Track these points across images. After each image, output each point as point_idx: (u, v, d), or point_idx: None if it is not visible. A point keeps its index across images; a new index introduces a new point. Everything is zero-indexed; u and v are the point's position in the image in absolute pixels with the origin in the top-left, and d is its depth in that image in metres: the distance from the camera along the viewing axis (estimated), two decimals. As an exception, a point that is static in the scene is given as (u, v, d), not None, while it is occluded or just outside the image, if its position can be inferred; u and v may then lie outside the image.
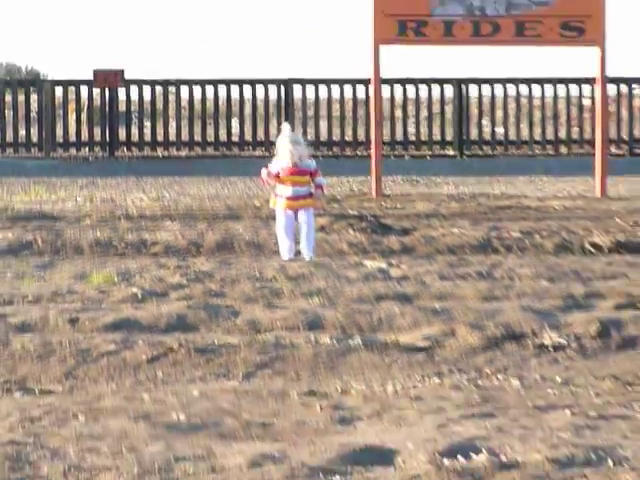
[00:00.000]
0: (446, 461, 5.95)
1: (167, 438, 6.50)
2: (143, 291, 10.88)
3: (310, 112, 31.91)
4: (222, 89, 32.33)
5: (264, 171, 13.72)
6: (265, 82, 32.15)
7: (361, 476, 5.74)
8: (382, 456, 6.03)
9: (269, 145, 30.23)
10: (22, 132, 31.59)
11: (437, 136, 31.57)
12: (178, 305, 10.21)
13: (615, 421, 6.81)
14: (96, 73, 32.19)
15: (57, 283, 11.49)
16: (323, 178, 13.94)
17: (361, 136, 29.65)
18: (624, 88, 30.67)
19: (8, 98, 32.67)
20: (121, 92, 32.31)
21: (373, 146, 20.80)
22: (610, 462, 5.96)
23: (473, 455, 6.04)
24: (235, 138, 32.47)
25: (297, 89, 31.70)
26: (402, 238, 14.51)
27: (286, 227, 13.01)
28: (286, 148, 13.64)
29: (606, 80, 21.61)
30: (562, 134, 31.05)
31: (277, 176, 13.50)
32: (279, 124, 31.49)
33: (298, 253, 13.00)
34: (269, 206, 13.72)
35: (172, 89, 32.79)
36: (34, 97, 33.61)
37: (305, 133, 31.01)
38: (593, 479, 5.64)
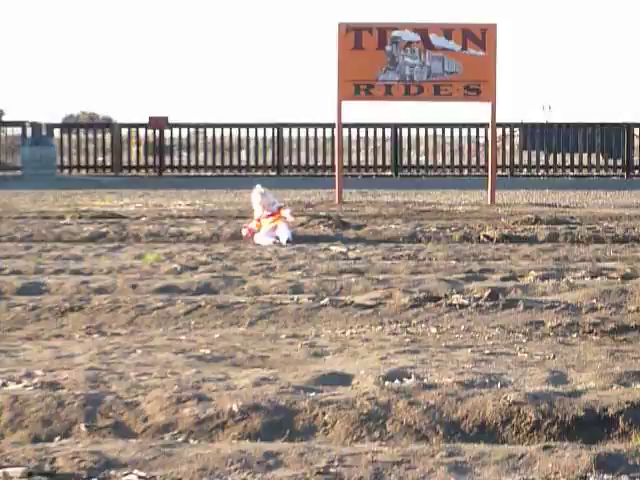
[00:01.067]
0: (387, 383, 5.95)
1: (197, 366, 6.52)
2: (181, 266, 10.93)
3: (294, 146, 32.02)
4: (235, 130, 32.45)
5: (244, 231, 13.94)
6: (264, 125, 32.24)
7: (329, 393, 5.72)
8: (343, 379, 6.06)
9: (266, 168, 30.92)
10: (100, 158, 31.62)
11: (380, 162, 31.69)
12: (205, 276, 10.26)
13: (501, 357, 6.81)
14: (150, 119, 32.21)
15: (123, 261, 11.50)
16: (287, 210, 13.90)
17: (328, 162, 29.63)
18: (507, 130, 30.83)
19: (91, 136, 32.81)
20: (166, 132, 32.23)
21: (336, 169, 20.76)
22: (498, 384, 5.96)
23: (405, 379, 6.07)
24: (243, 163, 32.58)
25: (286, 131, 31.79)
26: (356, 231, 14.53)
27: (264, 239, 13.00)
28: (256, 201, 13.94)
29: (495, 125, 21.61)
30: (465, 162, 31.11)
31: (258, 224, 13.63)
32: (273, 154, 31.98)
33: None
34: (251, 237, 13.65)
35: (200, 130, 32.78)
36: (108, 135, 33.59)
37: (290, 161, 31.36)
38: (486, 395, 5.61)
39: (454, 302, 8.70)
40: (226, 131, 32.18)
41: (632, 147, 31.04)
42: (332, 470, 4.59)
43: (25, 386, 5.86)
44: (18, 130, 32.17)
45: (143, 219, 16.13)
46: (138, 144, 32.39)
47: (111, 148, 31.94)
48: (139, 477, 4.46)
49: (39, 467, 4.58)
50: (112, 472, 4.52)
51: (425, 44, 19.70)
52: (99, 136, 32.91)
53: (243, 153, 32.45)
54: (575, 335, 7.60)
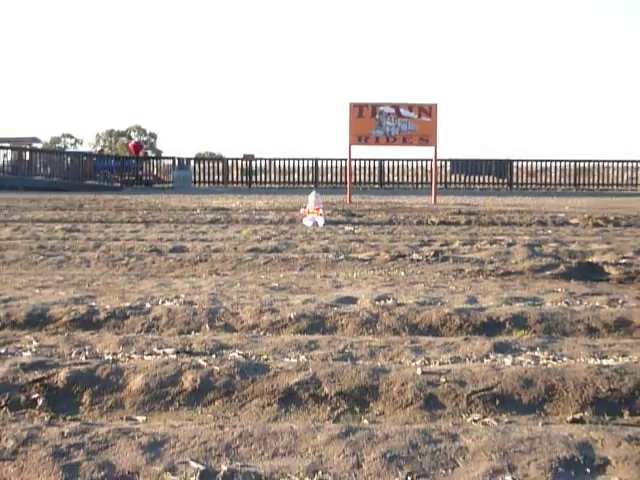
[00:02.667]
0: (376, 302, 5.90)
1: (271, 292, 6.47)
2: (261, 237, 10.84)
3: (325, 171, 31.58)
4: (291, 162, 31.97)
5: (300, 214, 13.85)
6: (307, 159, 31.74)
7: (344, 307, 5.70)
8: (352, 300, 6.00)
9: (309, 183, 30.52)
10: (215, 177, 31.43)
11: (372, 180, 31.24)
12: (274, 242, 10.19)
13: (440, 288, 6.74)
14: (244, 155, 32.27)
15: (229, 234, 11.45)
16: (322, 210, 13.73)
17: (344, 180, 29.30)
18: (443, 162, 30.48)
19: (210, 164, 32.85)
20: (253, 162, 32.12)
21: (348, 184, 20.64)
22: (438, 303, 5.91)
23: (387, 300, 6.01)
24: (295, 180, 32.09)
25: (320, 162, 31.35)
26: (359, 218, 14.42)
27: (311, 221, 12.91)
28: (311, 200, 13.63)
29: (436, 159, 21.47)
30: (420, 180, 30.66)
31: (306, 212, 13.61)
32: (312, 175, 31.60)
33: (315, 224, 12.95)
34: (301, 220, 13.60)
35: (272, 161, 32.42)
36: (221, 164, 33.50)
37: (323, 179, 31.02)
38: (432, 309, 5.58)
39: (414, 258, 8.65)
40: (286, 162, 31.95)
41: (511, 172, 30.99)
42: (346, 351, 4.61)
43: (174, 303, 5.88)
44: (170, 161, 32.47)
45: (240, 211, 16.11)
46: (236, 169, 32.45)
47: (222, 171, 31.82)
48: (239, 354, 4.47)
49: (182, 348, 4.59)
50: (224, 351, 4.55)
51: (397, 114, 19.59)
52: (215, 164, 32.92)
53: (296, 175, 32.26)
54: (481, 277, 7.58)
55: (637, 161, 31.86)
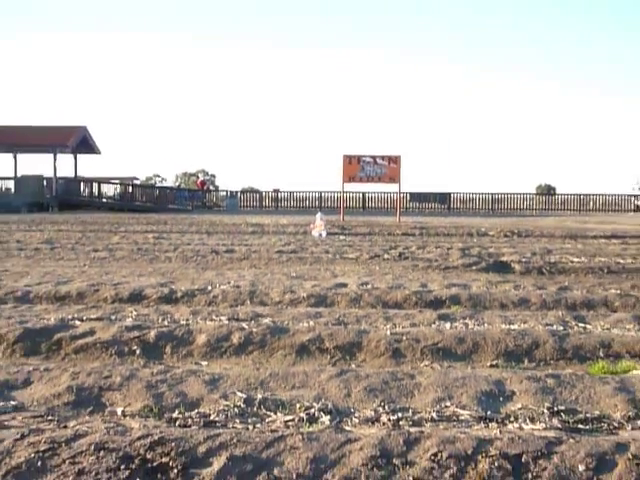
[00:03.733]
0: (361, 287, 5.86)
1: (291, 280, 6.36)
2: (284, 243, 10.69)
3: (326, 199, 31.24)
4: (302, 193, 31.69)
5: (310, 228, 13.55)
6: (313, 191, 31.41)
7: (339, 290, 5.66)
8: (344, 285, 5.93)
9: (314, 208, 29.80)
10: (255, 203, 31.00)
11: (357, 205, 30.91)
12: (292, 247, 10.06)
13: (403, 278, 6.67)
14: (273, 189, 32.13)
15: (263, 241, 11.29)
16: (324, 224, 13.45)
17: (338, 205, 29.19)
18: (403, 194, 30.21)
19: (249, 195, 32.59)
20: (279, 193, 31.77)
21: (341, 208, 20.49)
22: (401, 288, 5.86)
23: (367, 285, 5.95)
24: (306, 205, 31.16)
25: (324, 194, 30.97)
26: (349, 231, 14.27)
27: (317, 233, 12.80)
28: (318, 218, 13.48)
29: (400, 192, 21.27)
30: (389, 206, 30.27)
31: (314, 226, 13.30)
32: (318, 202, 31.07)
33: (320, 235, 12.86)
34: (310, 232, 13.46)
35: (290, 193, 32.15)
36: (257, 194, 33.23)
37: (325, 205, 30.27)
38: (397, 292, 5.53)
39: (385, 257, 8.56)
40: (301, 193, 31.62)
41: (449, 200, 31.32)
42: (340, 318, 4.58)
43: (226, 286, 5.86)
44: (224, 192, 32.55)
45: (270, 226, 15.88)
46: (269, 199, 32.28)
47: (258, 199, 31.65)
48: (269, 320, 4.46)
49: (232, 316, 4.59)
50: (259, 318, 4.51)
51: (374, 162, 19.40)
52: (254, 195, 32.76)
53: (307, 201, 31.77)
54: (429, 270, 7.52)
55: (532, 193, 33.84)
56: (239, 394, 2.91)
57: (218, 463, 2.11)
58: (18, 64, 73.19)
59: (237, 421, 2.59)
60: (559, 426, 2.50)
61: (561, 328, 4.23)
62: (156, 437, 2.24)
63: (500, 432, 2.36)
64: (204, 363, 3.64)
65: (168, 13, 74.90)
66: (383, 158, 19.81)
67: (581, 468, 2.08)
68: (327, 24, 76.13)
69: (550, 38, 71.71)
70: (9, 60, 69.32)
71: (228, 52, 76.05)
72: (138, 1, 74.47)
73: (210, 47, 77.23)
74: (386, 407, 2.76)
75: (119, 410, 2.75)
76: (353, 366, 3.57)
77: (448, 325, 4.35)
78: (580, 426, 2.53)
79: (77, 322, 4.25)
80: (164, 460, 2.13)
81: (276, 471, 2.09)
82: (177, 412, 2.70)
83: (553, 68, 74.76)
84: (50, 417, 2.63)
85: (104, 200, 27.79)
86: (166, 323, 4.33)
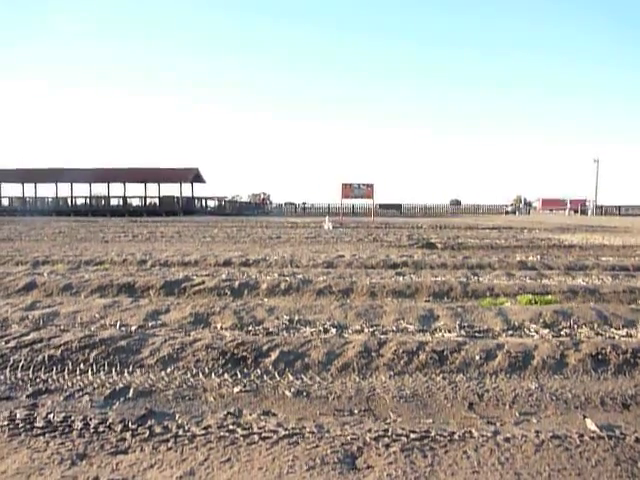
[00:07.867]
0: (354, 256, 5.62)
1: (312, 253, 6.13)
2: (307, 232, 10.41)
3: (334, 209, 30.11)
4: (319, 204, 30.96)
5: (323, 223, 12.92)
6: (324, 203, 30.68)
7: (339, 259, 5.54)
8: (343, 257, 5.73)
9: (322, 214, 27.56)
10: (292, 210, 30.11)
11: (350, 212, 29.92)
12: (313, 234, 9.79)
13: (376, 252, 6.48)
14: (302, 202, 31.13)
15: (296, 231, 10.97)
16: (330, 221, 12.92)
17: (339, 212, 27.42)
18: (377, 205, 28.45)
19: (289, 206, 31.87)
20: (306, 204, 30.78)
21: (341, 213, 20.15)
22: (375, 257, 5.68)
23: (355, 256, 5.78)
24: (316, 212, 30.18)
25: (330, 205, 29.86)
26: (345, 226, 13.98)
27: (327, 227, 12.51)
28: (327, 219, 13.07)
29: (374, 204, 20.74)
30: (368, 212, 29.24)
31: (324, 223, 12.80)
32: (328, 211, 28.87)
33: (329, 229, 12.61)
34: (324, 226, 13.02)
35: (311, 204, 31.36)
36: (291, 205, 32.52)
37: (329, 212, 28.62)
38: (372, 259, 5.40)
39: (365, 240, 8.30)
40: (316, 204, 31.13)
41: (402, 208, 30.72)
42: (341, 275, 4.47)
43: (277, 257, 5.65)
44: (275, 204, 32.34)
45: (300, 223, 15.51)
46: (296, 208, 31.75)
47: (294, 208, 31.33)
48: (302, 276, 4.34)
49: (280, 274, 4.45)
50: (295, 275, 4.37)
51: (359, 187, 19.12)
52: (291, 206, 32.43)
53: (321, 209, 31.10)
54: (390, 247, 7.29)
55: (446, 204, 33.19)
56: (285, 317, 2.91)
57: (274, 355, 2.16)
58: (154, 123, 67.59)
59: (284, 332, 2.61)
60: (464, 334, 2.51)
61: (465, 279, 4.16)
62: (240, 340, 2.29)
63: (431, 338, 2.36)
64: (265, 300, 3.63)
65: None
66: (364, 184, 19.54)
67: (477, 357, 2.11)
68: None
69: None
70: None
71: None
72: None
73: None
74: (367, 324, 2.75)
75: (218, 325, 2.77)
76: (348, 301, 3.53)
77: (401, 278, 4.28)
78: (476, 334, 2.52)
79: (194, 277, 4.27)
80: (244, 354, 2.19)
81: (306, 359, 2.13)
82: (250, 327, 2.72)
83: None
84: (180, 329, 2.67)
85: (208, 209, 28.45)
86: (244, 277, 4.31)
